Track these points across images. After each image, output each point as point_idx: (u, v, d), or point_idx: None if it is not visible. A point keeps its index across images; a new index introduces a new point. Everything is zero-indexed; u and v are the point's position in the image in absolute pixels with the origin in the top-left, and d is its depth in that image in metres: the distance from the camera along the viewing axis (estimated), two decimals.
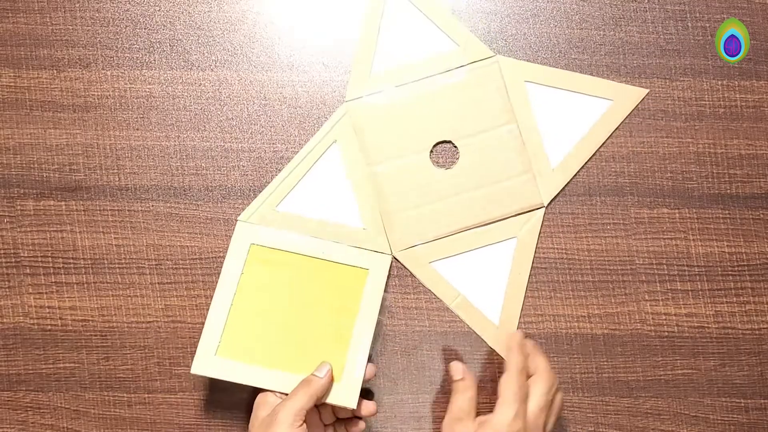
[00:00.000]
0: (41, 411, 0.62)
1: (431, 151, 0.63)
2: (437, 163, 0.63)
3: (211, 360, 0.58)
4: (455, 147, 0.63)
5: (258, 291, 0.60)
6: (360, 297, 0.61)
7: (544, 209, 0.63)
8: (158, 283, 0.62)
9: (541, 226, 0.63)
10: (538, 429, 0.54)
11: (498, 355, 0.62)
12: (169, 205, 0.63)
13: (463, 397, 0.56)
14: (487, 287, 0.63)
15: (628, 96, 0.63)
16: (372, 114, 0.63)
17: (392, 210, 0.63)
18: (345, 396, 0.58)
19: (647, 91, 0.63)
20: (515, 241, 0.63)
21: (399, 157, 0.62)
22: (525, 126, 0.63)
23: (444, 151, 0.63)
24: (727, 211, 0.64)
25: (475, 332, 0.63)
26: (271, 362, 0.59)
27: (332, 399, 0.58)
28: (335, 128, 0.63)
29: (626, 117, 0.63)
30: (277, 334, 0.60)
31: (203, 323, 0.62)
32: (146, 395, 0.62)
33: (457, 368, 0.58)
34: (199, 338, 0.58)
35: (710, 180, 0.64)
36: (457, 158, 0.63)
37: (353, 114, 0.62)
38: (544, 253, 0.63)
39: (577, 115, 0.63)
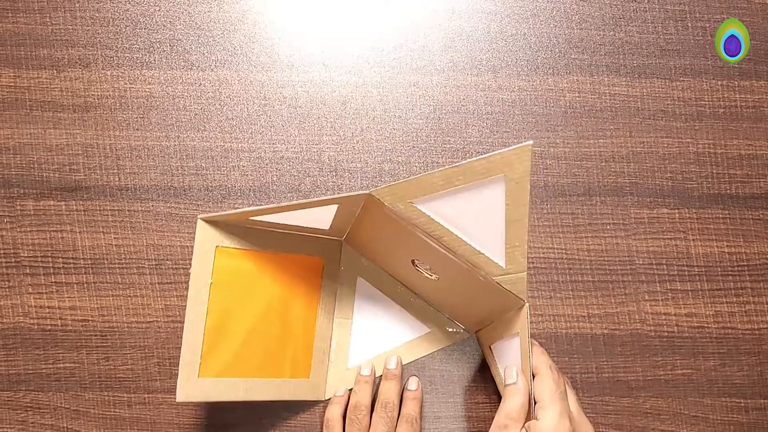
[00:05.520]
0: (41, 411, 0.62)
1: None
2: None
3: (195, 384, 0.52)
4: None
5: (229, 298, 0.54)
6: (319, 288, 0.60)
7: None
8: (158, 283, 0.62)
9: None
10: (584, 419, 0.54)
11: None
12: (169, 205, 0.63)
13: (513, 402, 0.52)
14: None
15: None
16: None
17: None
18: (312, 390, 0.59)
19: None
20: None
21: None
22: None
23: None
24: (726, 212, 0.64)
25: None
26: (258, 371, 0.56)
27: (301, 395, 0.59)
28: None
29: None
30: (257, 340, 0.56)
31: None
32: (146, 395, 0.62)
33: (510, 372, 0.54)
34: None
35: (710, 180, 0.64)
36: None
37: None
38: (543, 253, 0.63)
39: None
